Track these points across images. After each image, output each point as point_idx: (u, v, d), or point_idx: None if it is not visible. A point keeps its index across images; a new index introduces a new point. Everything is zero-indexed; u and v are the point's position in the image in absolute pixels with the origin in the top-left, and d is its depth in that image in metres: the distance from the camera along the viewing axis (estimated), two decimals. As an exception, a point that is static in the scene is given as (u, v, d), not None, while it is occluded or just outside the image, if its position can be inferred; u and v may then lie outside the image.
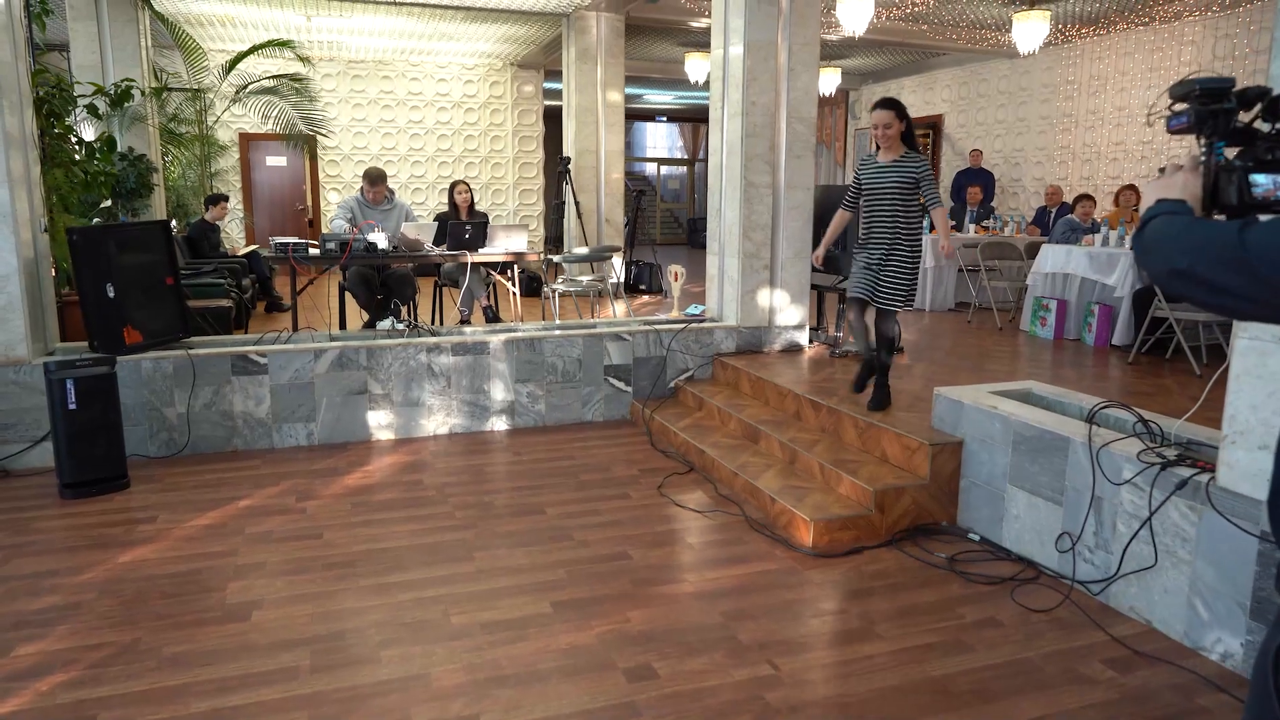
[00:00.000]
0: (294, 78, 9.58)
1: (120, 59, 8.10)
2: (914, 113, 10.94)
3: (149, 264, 4.94)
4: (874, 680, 2.67)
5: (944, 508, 3.90)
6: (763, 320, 5.90)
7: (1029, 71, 11.52)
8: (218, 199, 8.93)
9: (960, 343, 6.64)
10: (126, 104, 6.89)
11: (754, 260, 5.81)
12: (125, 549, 3.56)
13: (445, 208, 7.51)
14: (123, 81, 7.05)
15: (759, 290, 5.87)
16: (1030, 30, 8.69)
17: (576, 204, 9.14)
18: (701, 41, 10.98)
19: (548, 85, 13.59)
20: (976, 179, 10.92)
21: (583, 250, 7.86)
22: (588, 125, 9.95)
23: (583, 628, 2.94)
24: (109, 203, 6.85)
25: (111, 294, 4.61)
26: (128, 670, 2.66)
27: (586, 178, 9.93)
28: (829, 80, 12.63)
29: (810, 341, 6.07)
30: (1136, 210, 7.88)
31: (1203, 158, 1.21)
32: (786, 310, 5.94)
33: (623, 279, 9.59)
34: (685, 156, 21.81)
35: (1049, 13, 8.71)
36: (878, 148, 4.40)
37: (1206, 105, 1.20)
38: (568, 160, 9.51)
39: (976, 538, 3.76)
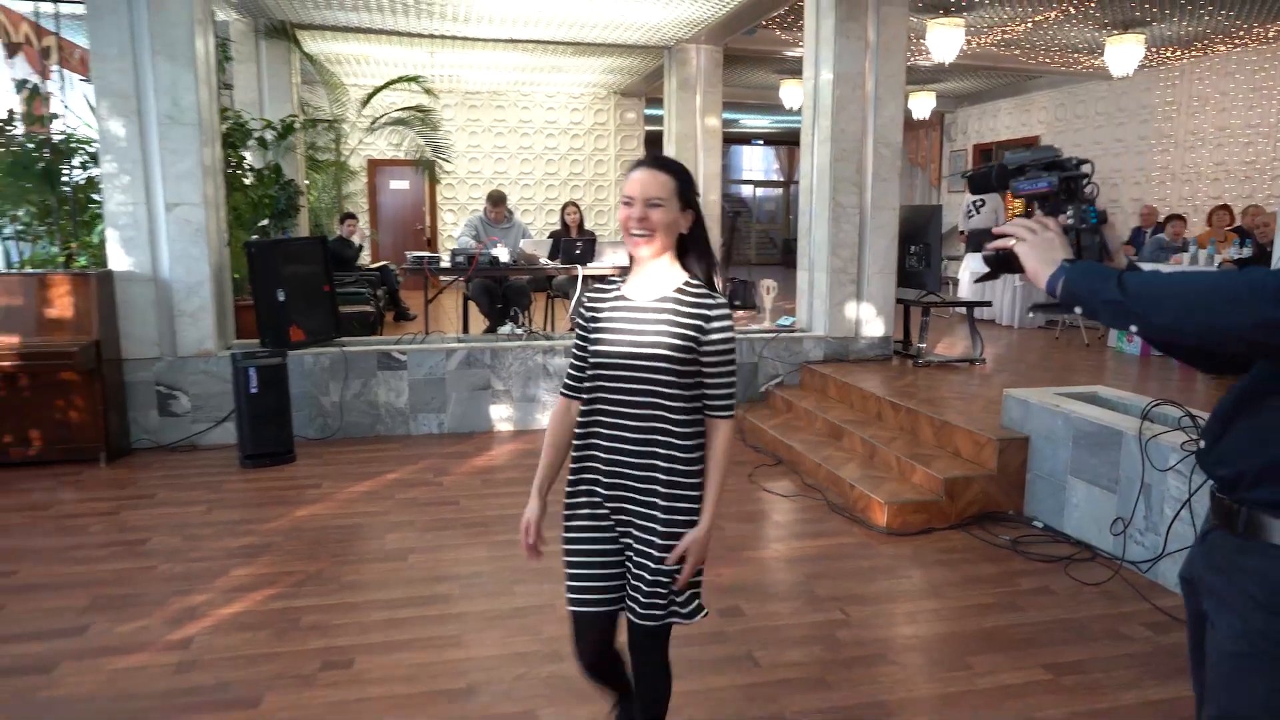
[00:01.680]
0: (420, 109, 10.51)
1: (275, 95, 9.16)
2: (1010, 135, 10.90)
3: (309, 273, 5.74)
4: (932, 627, 3.10)
5: (1011, 498, 4.26)
6: (849, 331, 6.32)
7: (1127, 92, 11.55)
8: (347, 217, 9.91)
9: (1046, 357, 6.89)
10: (289, 136, 7.88)
11: (841, 275, 6.25)
12: (300, 506, 4.28)
13: (552, 227, 8.21)
14: (287, 117, 8.03)
15: (846, 303, 6.30)
16: (1123, 54, 8.85)
17: (675, 224, 9.73)
18: (796, 69, 11.48)
19: (648, 112, 14.29)
20: (1071, 200, 10.99)
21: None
22: (687, 150, 10.55)
23: (681, 578, 3.46)
24: (265, 222, 7.81)
25: (281, 298, 5.42)
26: (317, 590, 3.32)
27: (685, 199, 10.51)
28: (923, 104, 12.90)
29: (895, 352, 6.45)
30: (1232, 230, 7.94)
31: (1070, 220, 1.41)
32: (872, 322, 6.34)
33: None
34: (781, 179, 22.24)
35: (1143, 36, 8.85)
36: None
37: (1068, 173, 1.43)
38: (668, 183, 10.12)
39: (1040, 524, 4.11)
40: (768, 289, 7.18)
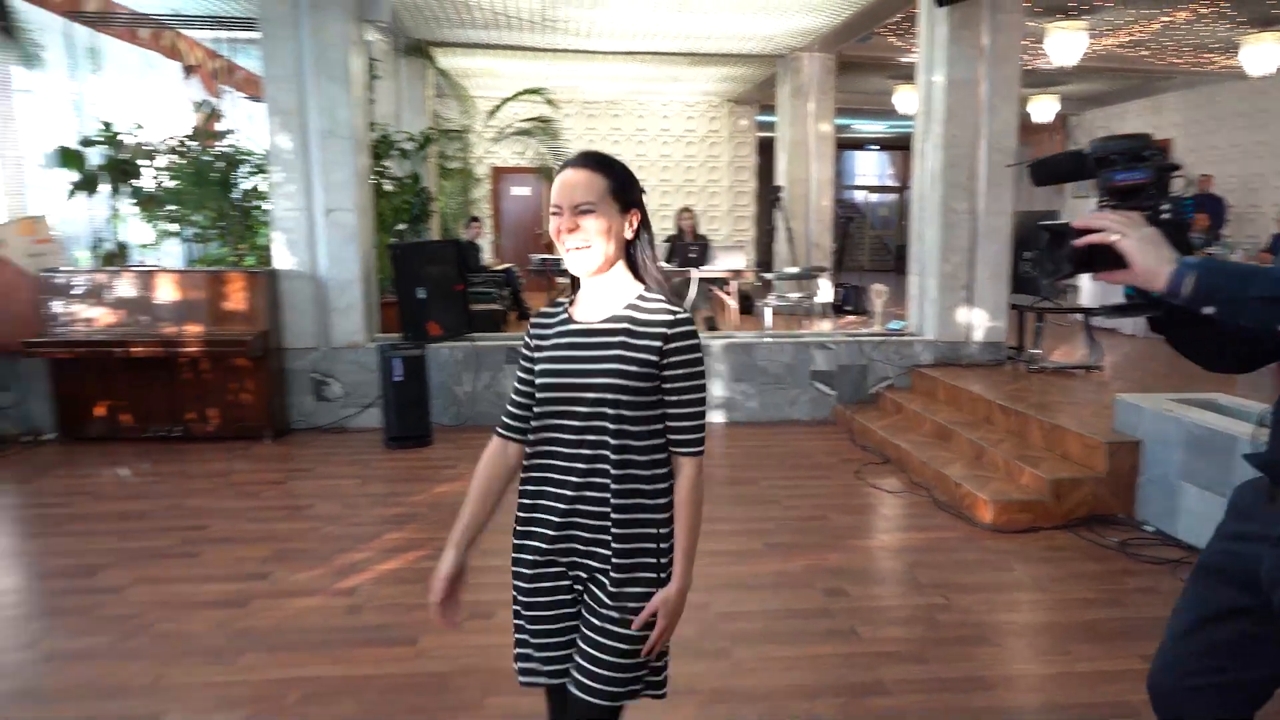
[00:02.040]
0: (543, 119, 11.04)
1: (411, 108, 9.84)
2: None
3: (444, 273, 6.22)
4: (1033, 616, 3.24)
5: (1121, 501, 4.29)
6: (959, 335, 6.38)
7: (1266, 92, 11.00)
8: (473, 221, 10.55)
9: (1168, 365, 6.74)
10: (427, 147, 8.51)
11: (952, 280, 6.32)
12: (439, 483, 4.73)
13: (667, 232, 8.52)
14: (426, 129, 8.67)
15: (956, 308, 6.36)
16: (1262, 53, 8.50)
17: (788, 229, 9.90)
18: (910, 74, 11.46)
19: (761, 118, 14.48)
20: (1204, 206, 10.58)
21: (793, 269, 8.61)
22: (799, 156, 10.70)
23: (788, 560, 3.69)
24: (403, 226, 8.43)
25: (421, 296, 5.92)
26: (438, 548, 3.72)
27: (797, 205, 10.65)
28: (1046, 108, 12.61)
29: (1008, 358, 6.46)
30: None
31: (1167, 214, 1.31)
32: (983, 327, 6.38)
33: (830, 300, 10.22)
34: (895, 184, 21.97)
35: (1284, 34, 8.49)
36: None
37: (1162, 164, 1.32)
38: (780, 189, 10.30)
39: (1151, 528, 4.13)
40: (878, 293, 7.29)
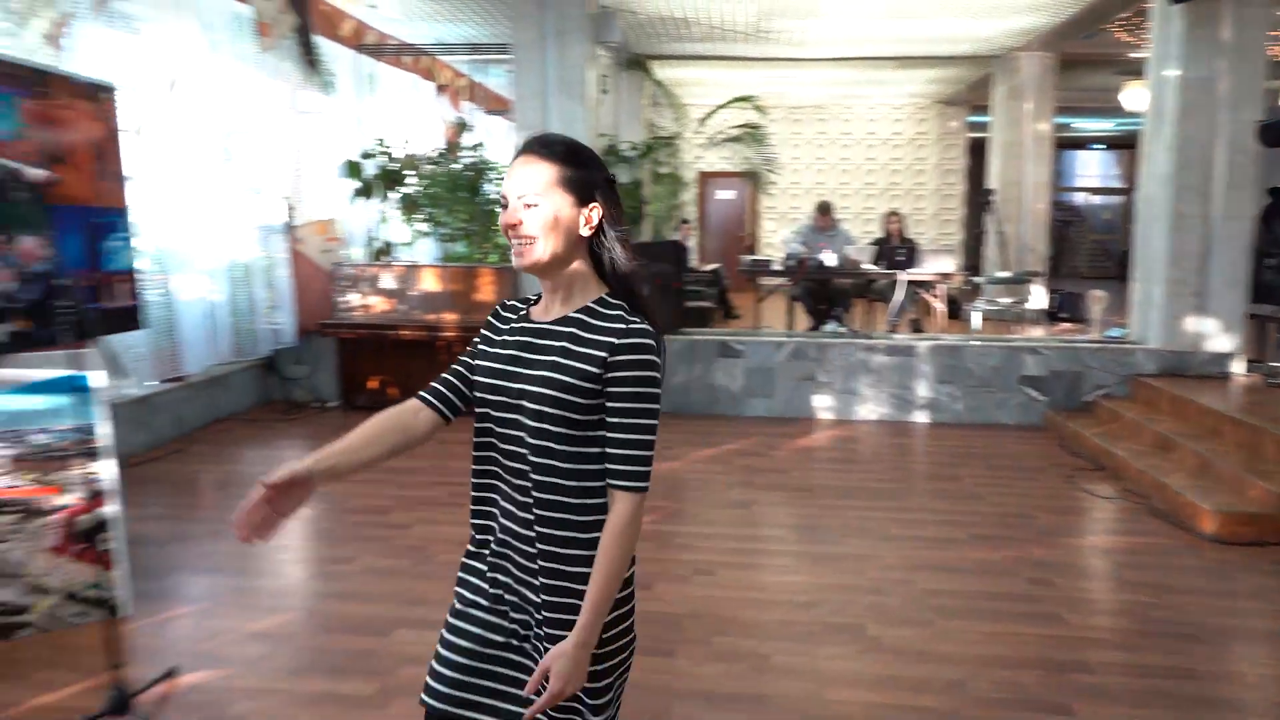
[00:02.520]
0: (753, 126, 11.42)
1: (628, 117, 10.53)
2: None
3: (664, 272, 6.73)
4: (1255, 622, 3.23)
5: (1366, 521, 4.07)
6: (1187, 345, 6.11)
7: None
8: (682, 223, 11.11)
9: None
10: (649, 155, 9.17)
11: (1180, 287, 6.07)
12: (659, 463, 5.15)
13: (867, 236, 8.63)
14: (649, 138, 9.31)
15: (1184, 316, 6.10)
16: None
17: (1000, 233, 9.69)
18: (1138, 70, 10.83)
19: (972, 119, 14.10)
20: None
21: (1004, 274, 8.47)
22: (1013, 157, 10.41)
23: (992, 551, 3.84)
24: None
25: (644, 292, 6.45)
26: (683, 521, 4.17)
27: (1010, 208, 10.38)
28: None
29: (1247, 370, 6.11)
30: None
31: None
32: (1216, 337, 6.08)
33: (1044, 306, 9.89)
34: (1120, 185, 20.49)
35: None
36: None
37: None
38: (991, 192, 10.09)
39: (1400, 551, 3.90)
40: (1097, 300, 7.08)
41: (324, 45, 6.98)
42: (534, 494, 1.35)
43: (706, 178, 14.41)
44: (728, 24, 8.81)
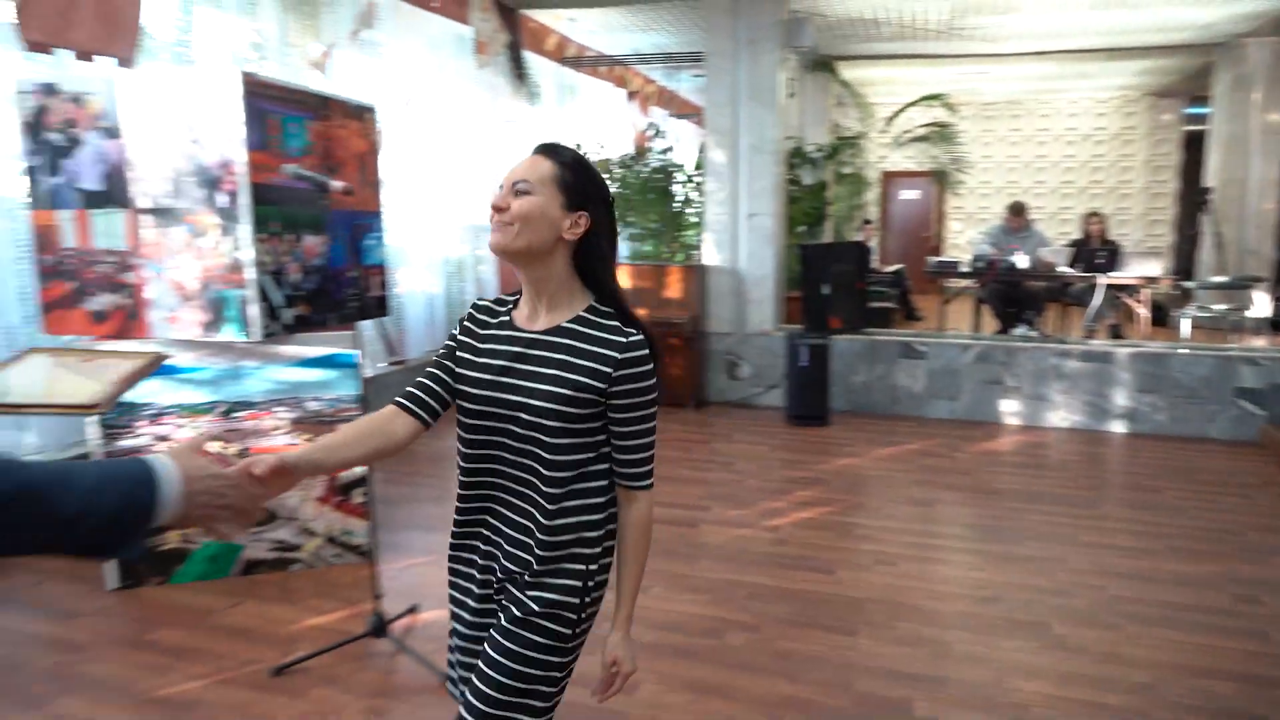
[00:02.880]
0: (942, 125, 11.16)
1: (813, 119, 10.59)
2: None
3: (847, 272, 6.81)
4: None
5: None
6: None
7: None
8: (865, 223, 11.03)
9: None
10: (835, 156, 9.23)
11: None
12: (839, 457, 5.33)
13: (1063, 237, 8.26)
14: (835, 139, 9.39)
15: None
16: None
17: (1217, 235, 8.99)
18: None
19: (1188, 110, 13.04)
20: None
21: (1221, 278, 7.89)
22: (1237, 153, 9.59)
23: (1193, 564, 3.71)
24: (802, 229, 9.18)
25: (826, 291, 6.57)
26: (864, 513, 4.29)
27: (1230, 207, 9.58)
28: None
29: None
30: None
31: None
32: None
33: (1268, 314, 9.08)
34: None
35: None
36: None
37: None
38: (1208, 191, 9.36)
39: None
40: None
41: (531, 59, 7.55)
42: (542, 488, 1.41)
43: (890, 177, 14.17)
44: (919, 23, 8.70)
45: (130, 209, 3.17)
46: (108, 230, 3.20)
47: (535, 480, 1.42)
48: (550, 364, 1.40)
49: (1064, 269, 7.03)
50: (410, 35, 5.98)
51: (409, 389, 1.50)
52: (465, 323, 1.54)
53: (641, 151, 8.64)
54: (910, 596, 3.37)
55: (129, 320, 3.22)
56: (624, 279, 6.67)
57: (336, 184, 2.73)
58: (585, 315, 1.43)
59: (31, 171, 3.25)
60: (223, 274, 3.11)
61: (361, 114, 3.67)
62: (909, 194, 14.29)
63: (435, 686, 2.68)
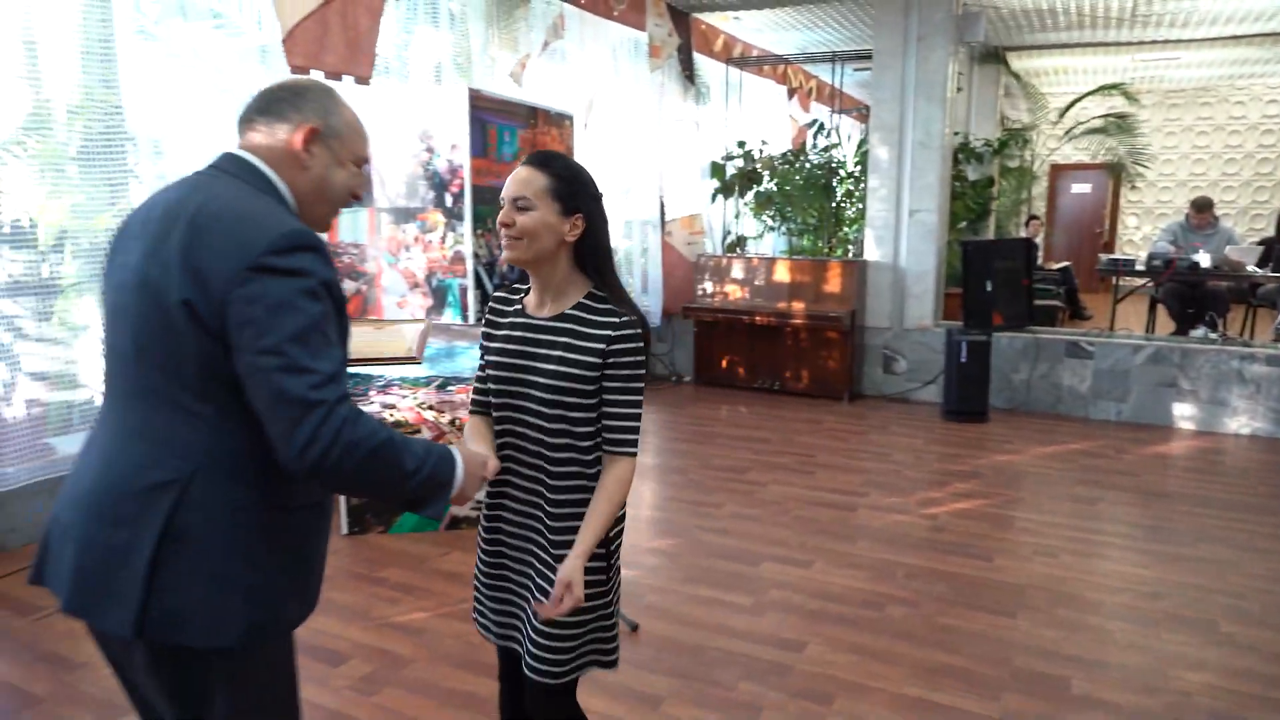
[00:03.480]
0: (1120, 115, 10.66)
1: (981, 112, 10.37)
2: None
3: (1011, 269, 6.73)
4: None
5: None
6: None
7: None
8: (1032, 219, 10.68)
9: None
10: (1003, 151, 9.07)
11: None
12: (997, 453, 5.37)
13: (1260, 234, 7.77)
14: (1002, 133, 9.21)
15: None
16: None
17: None
18: None
19: None
20: None
21: None
22: None
23: (1383, 577, 3.59)
24: (963, 224, 9.06)
25: (989, 288, 6.54)
26: (1022, 507, 4.36)
27: None
28: None
29: None
30: None
31: None
32: None
33: None
34: None
35: None
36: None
37: None
38: None
39: None
40: None
41: (699, 60, 7.86)
42: (548, 454, 1.61)
43: (1059, 171, 13.59)
44: (1099, 11, 8.40)
45: (371, 208, 3.71)
46: (352, 226, 3.75)
47: (543, 450, 1.62)
48: (557, 346, 1.61)
49: (1253, 269, 6.67)
50: (593, 43, 6.42)
51: (474, 398, 1.77)
52: (488, 315, 1.77)
53: (802, 148, 8.78)
54: (1071, 586, 3.46)
55: (366, 305, 3.77)
56: (782, 273, 6.89)
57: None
58: (585, 302, 1.63)
59: (292, 175, 3.84)
60: (446, 265, 3.58)
61: (561, 121, 4.09)
62: (1080, 188, 13.67)
63: (621, 629, 3.04)
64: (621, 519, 1.72)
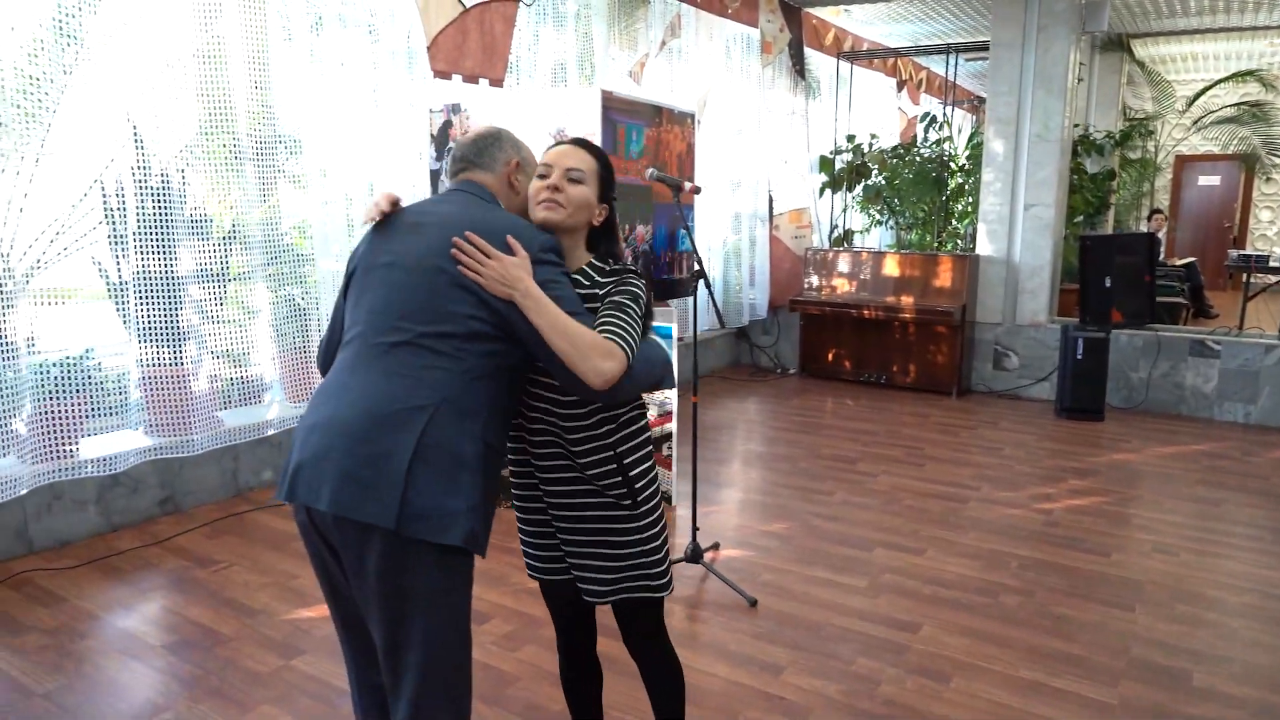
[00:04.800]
0: (1255, 103, 10.15)
1: (1102, 102, 10.05)
2: None
3: (1133, 264, 6.56)
4: None
5: None
6: None
7: None
8: (1155, 213, 10.27)
9: None
10: (1126, 143, 8.81)
11: None
12: (1113, 452, 5.28)
13: None
14: (1124, 125, 8.94)
15: None
16: None
17: None
18: None
19: None
20: None
21: None
22: None
23: None
24: (1079, 219, 8.81)
25: (1108, 284, 6.40)
26: (1139, 504, 4.31)
27: None
28: None
29: None
30: None
31: None
32: None
33: None
34: None
35: None
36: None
37: None
38: None
39: None
40: None
41: (810, 55, 7.91)
42: (559, 396, 1.73)
43: (1184, 162, 12.99)
44: (1235, -6, 8.04)
45: (507, 203, 3.96)
46: (489, 219, 4.01)
47: (554, 391, 1.73)
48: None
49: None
50: (707, 41, 6.57)
51: None
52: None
53: (913, 141, 8.71)
54: (1192, 584, 3.44)
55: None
56: (891, 267, 6.90)
57: (687, 183, 3.30)
58: (585, 268, 1.77)
59: (434, 175, 4.14)
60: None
61: (683, 120, 4.26)
62: (1208, 180, 13.03)
63: (740, 604, 3.21)
64: (649, 459, 1.82)
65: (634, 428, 1.81)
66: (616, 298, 1.69)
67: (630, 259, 3.82)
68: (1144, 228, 10.20)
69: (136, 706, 2.57)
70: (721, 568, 3.55)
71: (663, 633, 1.93)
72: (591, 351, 1.56)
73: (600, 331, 1.61)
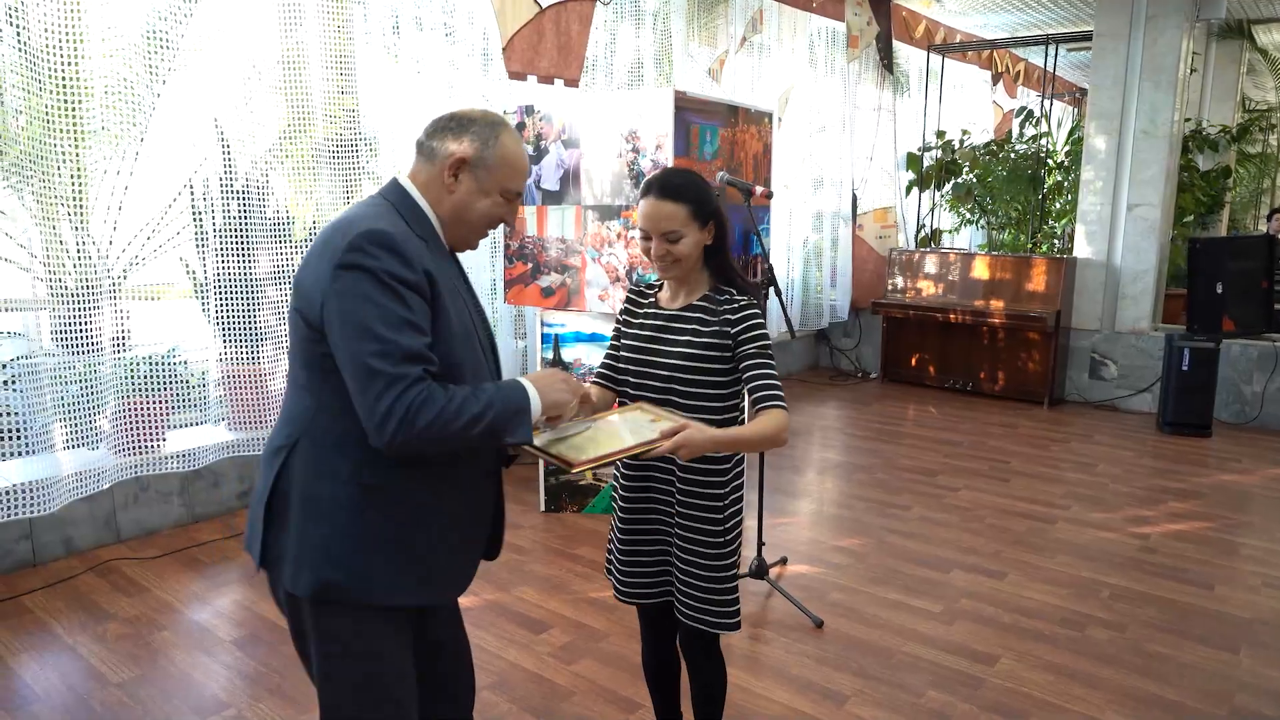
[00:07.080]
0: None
1: (1218, 94, 9.40)
2: None
3: (1250, 269, 6.10)
4: None
5: None
6: None
7: None
8: (1275, 213, 9.55)
9: None
10: (1244, 138, 8.22)
11: None
12: (1221, 472, 4.93)
13: None
14: (1243, 118, 8.34)
15: None
16: None
17: None
18: None
19: None
20: None
21: None
22: None
23: None
24: (1189, 219, 8.27)
25: (1219, 290, 5.97)
26: (1241, 531, 3.99)
27: None
28: None
29: None
30: None
31: None
32: None
33: None
34: None
35: None
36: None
37: None
38: None
39: None
40: None
41: (899, 48, 7.63)
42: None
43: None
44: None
45: (578, 205, 3.92)
46: (560, 222, 3.98)
47: (693, 413, 1.80)
48: (684, 333, 1.85)
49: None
50: (790, 36, 6.40)
51: (599, 372, 2.01)
52: (625, 305, 2.02)
53: (1007, 137, 8.33)
54: (1304, 624, 3.16)
55: (571, 296, 4.00)
56: (981, 269, 6.61)
57: (759, 188, 3.19)
58: (709, 294, 1.87)
59: (507, 174, 4.13)
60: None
61: (760, 119, 4.14)
62: (1337, 176, 12.07)
63: (806, 625, 3.09)
64: (739, 489, 1.93)
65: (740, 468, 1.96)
66: (753, 346, 1.80)
67: (756, 272, 3.78)
68: (1263, 228, 9.52)
69: (203, 702, 2.63)
70: (788, 584, 3.44)
71: (717, 643, 2.02)
72: (777, 435, 1.70)
73: (757, 394, 1.76)
